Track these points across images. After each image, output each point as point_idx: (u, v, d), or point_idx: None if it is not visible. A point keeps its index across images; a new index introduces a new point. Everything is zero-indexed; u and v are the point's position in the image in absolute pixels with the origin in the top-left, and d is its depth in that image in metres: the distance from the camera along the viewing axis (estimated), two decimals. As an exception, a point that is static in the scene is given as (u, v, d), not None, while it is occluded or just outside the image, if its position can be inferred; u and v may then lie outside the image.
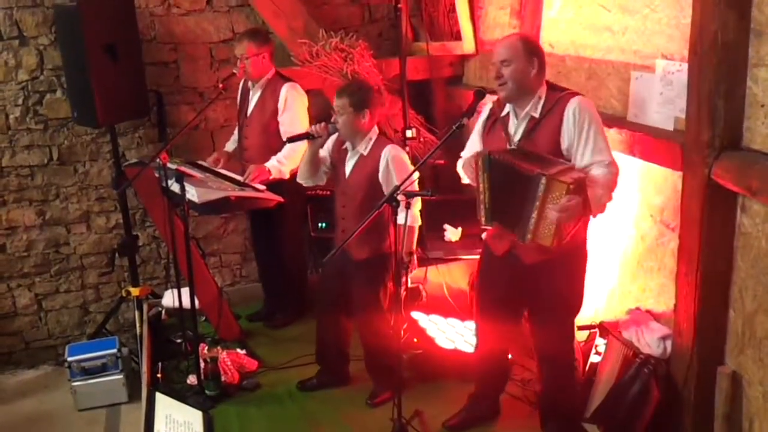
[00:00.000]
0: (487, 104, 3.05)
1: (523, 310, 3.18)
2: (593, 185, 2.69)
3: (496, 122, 2.99)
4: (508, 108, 2.95)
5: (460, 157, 3.17)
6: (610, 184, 2.75)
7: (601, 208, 2.76)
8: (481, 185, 2.82)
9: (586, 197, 2.64)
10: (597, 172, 2.74)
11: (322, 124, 3.37)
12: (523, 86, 2.82)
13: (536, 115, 2.85)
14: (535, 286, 2.99)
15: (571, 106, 2.77)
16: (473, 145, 3.11)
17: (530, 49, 2.84)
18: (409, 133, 4.35)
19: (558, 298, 2.98)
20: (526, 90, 2.84)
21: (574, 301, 3.02)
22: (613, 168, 2.77)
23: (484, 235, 3.16)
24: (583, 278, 3.01)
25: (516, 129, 2.90)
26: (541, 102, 2.85)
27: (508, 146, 2.90)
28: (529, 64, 2.81)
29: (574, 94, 2.84)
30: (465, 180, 3.15)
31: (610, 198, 2.76)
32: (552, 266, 2.89)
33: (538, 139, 2.84)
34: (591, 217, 2.78)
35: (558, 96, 2.84)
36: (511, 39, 2.90)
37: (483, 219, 2.89)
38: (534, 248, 2.81)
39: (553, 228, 2.64)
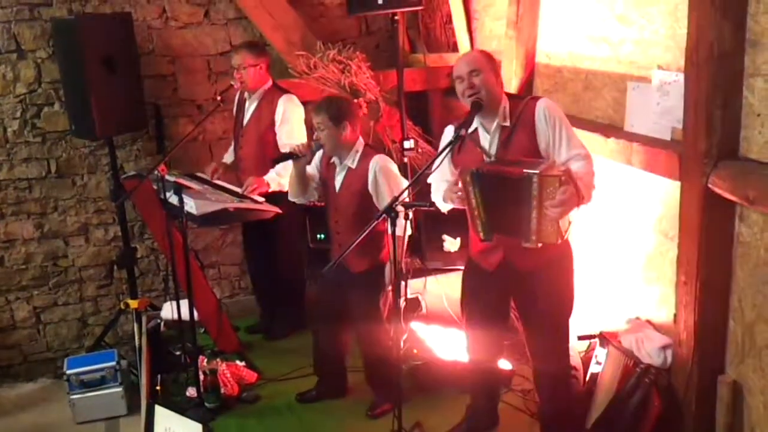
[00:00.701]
0: (448, 129, 3.05)
1: (511, 319, 3.19)
2: (578, 178, 2.73)
3: (464, 140, 2.98)
4: (475, 124, 2.94)
5: (429, 183, 3.15)
6: (590, 173, 2.82)
7: (589, 197, 2.79)
8: (473, 201, 2.81)
9: (577, 186, 2.68)
10: (576, 165, 2.79)
11: (305, 142, 3.40)
12: (493, 95, 2.86)
13: (507, 124, 2.88)
14: (529, 293, 3.00)
15: (540, 109, 2.83)
16: (442, 170, 3.05)
17: (492, 60, 2.92)
18: (407, 144, 4.35)
19: (552, 302, 2.98)
20: (496, 99, 2.88)
21: (567, 303, 3.03)
22: (589, 159, 2.85)
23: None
24: (573, 278, 3.03)
25: (490, 142, 2.91)
26: (507, 111, 2.89)
27: (486, 159, 2.91)
28: (494, 74, 2.88)
29: (537, 98, 2.92)
30: (444, 209, 3.12)
31: (593, 186, 2.82)
32: (545, 270, 2.91)
33: (515, 146, 2.86)
34: (583, 205, 2.79)
35: (522, 103, 2.90)
36: (473, 53, 3.01)
37: (482, 234, 2.87)
38: (530, 254, 2.82)
39: (555, 224, 2.68)
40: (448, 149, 2.85)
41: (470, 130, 2.95)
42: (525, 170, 2.66)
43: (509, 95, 2.98)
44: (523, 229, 2.73)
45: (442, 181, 3.07)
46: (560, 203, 2.62)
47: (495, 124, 2.89)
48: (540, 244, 2.74)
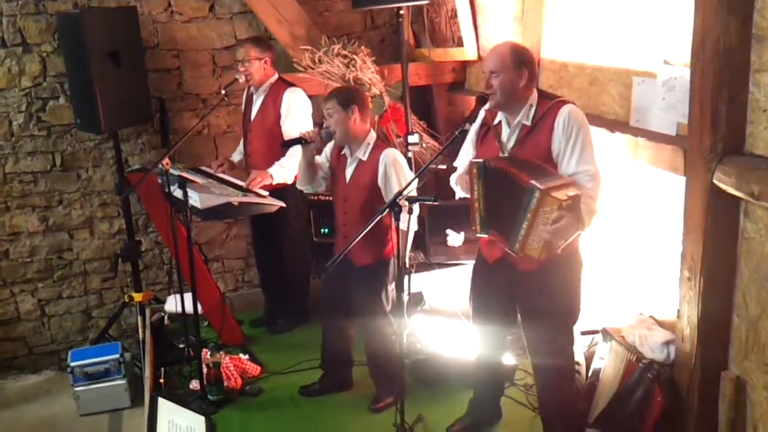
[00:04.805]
0: (480, 112, 3.04)
1: (517, 316, 3.19)
2: (584, 200, 2.66)
3: (488, 131, 2.99)
4: (500, 116, 2.94)
5: (455, 168, 3.16)
6: (595, 196, 2.73)
7: (590, 223, 2.71)
8: (475, 193, 2.80)
9: (579, 215, 2.61)
10: (584, 186, 2.72)
11: (315, 129, 3.41)
12: (511, 96, 2.82)
13: (528, 123, 2.85)
14: (528, 293, 2.98)
15: (562, 115, 2.77)
16: (467, 153, 3.09)
17: (520, 60, 2.82)
18: (411, 139, 4.35)
19: (552, 306, 2.94)
20: (515, 100, 2.83)
21: (569, 308, 2.99)
22: (597, 179, 2.76)
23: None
24: (579, 285, 2.97)
25: (509, 137, 2.90)
26: (533, 110, 2.85)
27: (501, 154, 2.90)
28: (517, 75, 2.80)
29: (565, 102, 2.84)
30: (459, 194, 3.13)
31: (596, 211, 2.72)
32: (546, 273, 2.86)
33: (530, 146, 2.84)
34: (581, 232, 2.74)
35: (549, 104, 2.83)
36: (502, 49, 2.87)
37: (478, 228, 2.86)
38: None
39: (542, 242, 2.63)
40: (449, 144, 2.86)
41: (494, 122, 2.96)
42: (531, 181, 2.58)
43: (541, 93, 2.91)
44: (512, 235, 2.70)
45: (464, 164, 3.07)
46: (552, 229, 2.57)
47: (516, 121, 2.87)
48: (522, 254, 2.71)
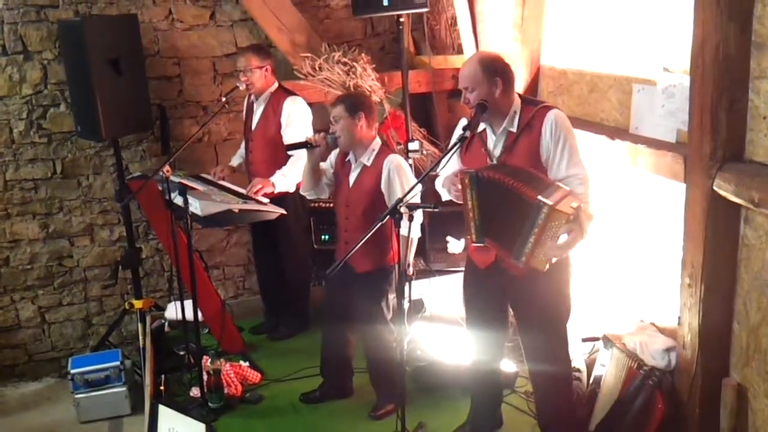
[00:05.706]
0: (461, 121, 3.04)
1: (509, 321, 3.19)
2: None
3: (473, 139, 2.98)
4: (484, 124, 2.94)
5: (438, 175, 3.16)
6: (588, 201, 2.77)
7: (588, 228, 2.73)
8: (469, 203, 2.78)
9: (582, 225, 2.64)
10: (576, 190, 2.74)
11: (321, 134, 3.42)
12: (493, 105, 2.82)
13: (514, 129, 2.86)
14: (521, 296, 2.99)
15: (549, 120, 2.79)
16: (452, 163, 3.06)
17: (491, 71, 2.82)
18: (412, 146, 4.36)
19: (547, 309, 2.96)
20: (496, 109, 2.84)
21: (561, 308, 3.00)
22: (586, 182, 2.80)
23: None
24: (569, 284, 3.00)
25: (495, 145, 2.91)
26: (517, 116, 2.86)
27: (488, 162, 2.89)
28: (492, 86, 2.81)
29: (549, 107, 2.86)
30: (445, 197, 3.13)
31: (593, 216, 2.77)
32: (540, 277, 2.84)
33: (518, 153, 2.84)
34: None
35: (534, 110, 2.85)
36: (470, 65, 2.88)
37: (474, 236, 2.84)
38: None
39: (549, 256, 2.65)
40: (452, 150, 2.85)
41: (479, 129, 2.95)
42: (538, 196, 2.56)
43: (524, 99, 2.93)
44: (516, 248, 2.69)
45: (450, 172, 3.07)
46: (564, 245, 2.62)
47: (502, 128, 2.88)
48: (527, 266, 2.71)
